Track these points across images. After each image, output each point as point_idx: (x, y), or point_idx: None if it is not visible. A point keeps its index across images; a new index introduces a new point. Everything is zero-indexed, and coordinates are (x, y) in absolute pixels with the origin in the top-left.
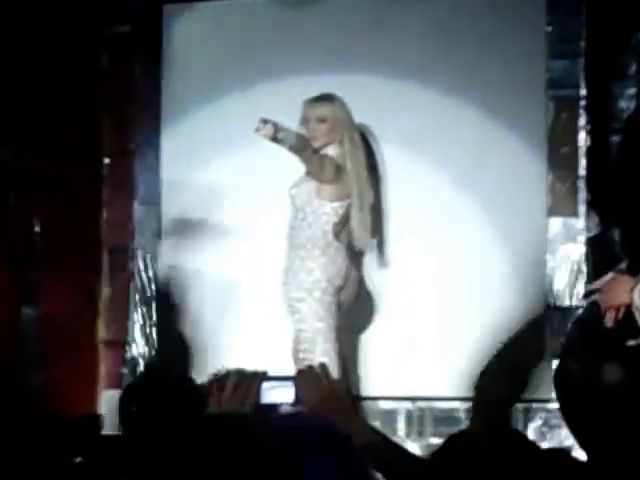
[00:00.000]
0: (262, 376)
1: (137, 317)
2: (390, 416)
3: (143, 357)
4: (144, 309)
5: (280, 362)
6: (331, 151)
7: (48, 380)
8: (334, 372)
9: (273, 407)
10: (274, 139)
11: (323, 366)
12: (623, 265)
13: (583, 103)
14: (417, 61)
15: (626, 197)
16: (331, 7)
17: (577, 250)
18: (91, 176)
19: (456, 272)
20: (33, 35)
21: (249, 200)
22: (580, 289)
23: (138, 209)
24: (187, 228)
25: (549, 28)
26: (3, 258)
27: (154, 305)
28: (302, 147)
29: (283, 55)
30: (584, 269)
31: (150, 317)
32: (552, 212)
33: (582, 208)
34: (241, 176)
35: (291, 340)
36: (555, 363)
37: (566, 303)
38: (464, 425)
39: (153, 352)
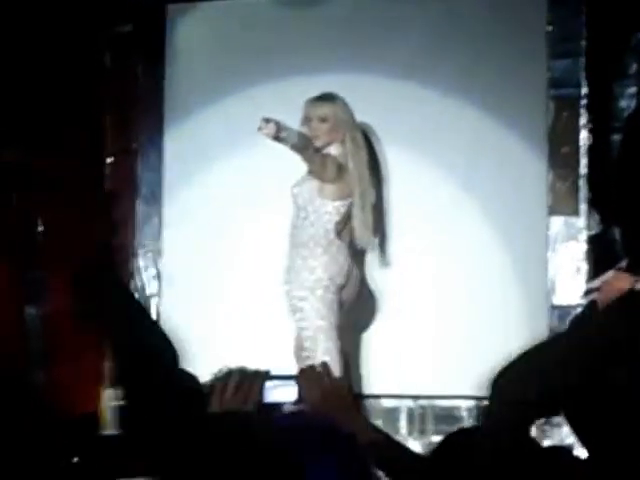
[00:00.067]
0: (264, 375)
1: None
2: (392, 414)
3: None
4: None
5: (282, 361)
6: (333, 150)
7: (51, 379)
8: (336, 370)
9: (275, 406)
10: (276, 138)
11: (325, 364)
12: (623, 263)
13: (584, 102)
14: (418, 61)
15: (627, 196)
16: (334, 8)
17: (578, 249)
18: (93, 176)
19: (457, 271)
20: (36, 35)
21: (251, 199)
22: (581, 287)
23: (140, 209)
24: (189, 228)
25: (550, 28)
26: (6, 258)
27: (154, 304)
28: (304, 146)
29: (285, 55)
30: (585, 267)
31: None
32: (553, 211)
33: (583, 207)
34: (243, 175)
35: (293, 339)
36: None
37: (567, 302)
38: (466, 423)
39: None
